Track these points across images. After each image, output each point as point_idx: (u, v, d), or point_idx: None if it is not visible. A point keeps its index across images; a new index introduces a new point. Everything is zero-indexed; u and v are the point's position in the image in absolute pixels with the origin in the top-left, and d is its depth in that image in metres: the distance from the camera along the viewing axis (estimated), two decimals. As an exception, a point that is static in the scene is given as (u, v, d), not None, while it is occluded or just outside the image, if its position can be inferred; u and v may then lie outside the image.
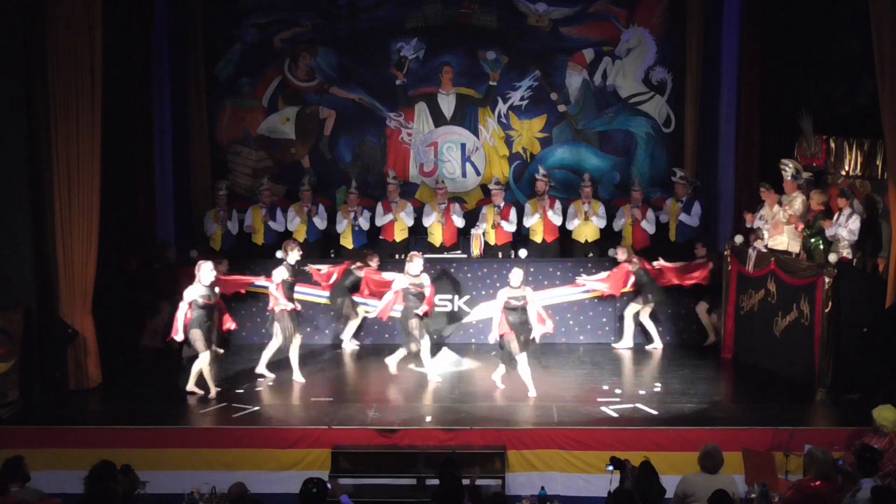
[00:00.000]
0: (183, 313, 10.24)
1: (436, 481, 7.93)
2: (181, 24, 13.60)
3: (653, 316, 12.21)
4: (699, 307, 12.29)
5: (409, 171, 14.04)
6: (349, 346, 12.25)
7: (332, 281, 12.03)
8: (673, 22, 13.71)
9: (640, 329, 12.24)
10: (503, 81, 13.90)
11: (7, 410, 9.92)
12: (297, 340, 10.81)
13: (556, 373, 11.36)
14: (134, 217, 13.09)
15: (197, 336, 10.22)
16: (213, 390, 10.34)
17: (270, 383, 10.87)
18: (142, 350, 12.25)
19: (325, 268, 12.13)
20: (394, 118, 13.99)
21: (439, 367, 11.10)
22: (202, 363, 10.31)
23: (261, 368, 10.99)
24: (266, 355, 10.97)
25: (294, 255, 10.85)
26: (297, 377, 10.83)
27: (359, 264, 11.99)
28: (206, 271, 10.31)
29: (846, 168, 10.92)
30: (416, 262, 10.79)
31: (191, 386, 10.37)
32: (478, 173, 14.03)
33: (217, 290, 10.52)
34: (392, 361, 10.99)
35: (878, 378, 9.57)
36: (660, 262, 12.10)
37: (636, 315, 12.13)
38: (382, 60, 13.90)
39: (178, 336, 10.33)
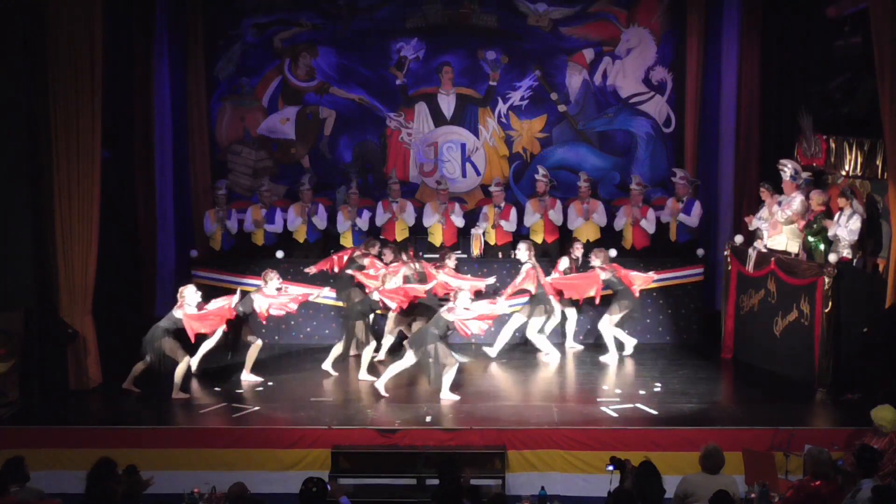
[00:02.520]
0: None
1: (436, 481, 7.93)
2: (181, 24, 13.60)
3: (620, 324, 11.79)
4: (604, 321, 11.75)
5: (409, 171, 14.04)
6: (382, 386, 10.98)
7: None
8: (673, 22, 13.70)
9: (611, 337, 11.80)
10: (503, 81, 13.89)
11: (7, 410, 9.93)
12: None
13: (556, 373, 11.36)
14: (134, 217, 13.10)
15: (173, 346, 10.30)
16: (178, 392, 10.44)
17: (270, 383, 10.90)
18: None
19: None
20: (394, 118, 13.99)
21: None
22: (183, 368, 10.38)
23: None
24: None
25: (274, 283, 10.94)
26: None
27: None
28: (190, 295, 10.37)
29: (846, 168, 10.91)
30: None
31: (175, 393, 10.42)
32: (478, 173, 14.03)
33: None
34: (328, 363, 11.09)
35: (878, 378, 9.57)
36: (555, 278, 11.74)
37: (608, 324, 11.72)
38: (382, 60, 13.89)
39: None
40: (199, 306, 10.47)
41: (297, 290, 11.28)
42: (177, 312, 10.36)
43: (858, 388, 9.87)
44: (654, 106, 13.85)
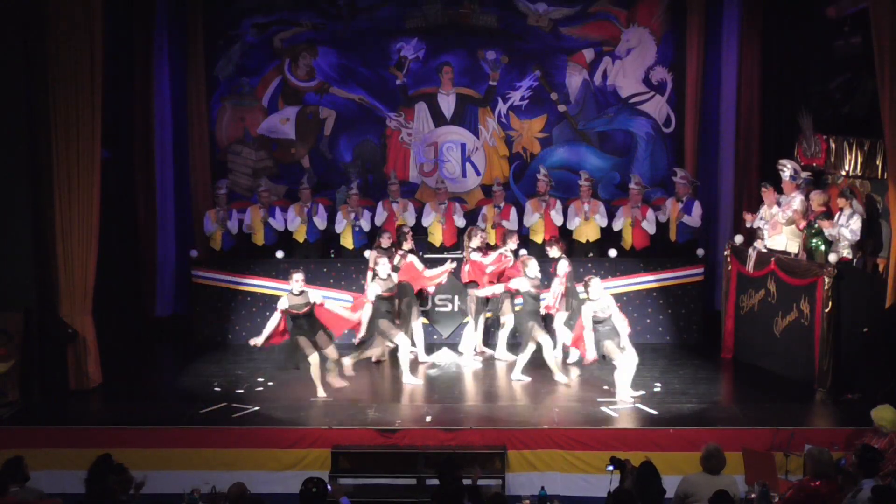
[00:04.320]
0: (276, 323, 10.21)
1: (436, 481, 7.93)
2: (181, 24, 13.60)
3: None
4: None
5: (409, 171, 14.03)
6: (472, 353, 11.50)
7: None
8: (673, 22, 13.70)
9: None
10: (503, 81, 13.88)
11: (7, 410, 9.94)
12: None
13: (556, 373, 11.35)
14: (134, 217, 13.10)
15: (304, 343, 10.21)
16: (321, 391, 10.32)
17: (271, 383, 10.89)
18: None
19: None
20: (394, 118, 13.99)
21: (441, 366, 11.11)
22: (314, 366, 10.26)
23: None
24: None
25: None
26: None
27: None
28: (295, 281, 10.27)
29: (846, 168, 10.92)
30: (532, 265, 10.71)
31: (320, 392, 10.30)
32: (478, 173, 14.02)
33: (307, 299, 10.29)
34: (517, 367, 10.87)
35: (878, 378, 9.58)
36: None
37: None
38: (382, 60, 13.89)
39: (259, 341, 10.24)
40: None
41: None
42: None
43: (858, 388, 9.87)
44: (654, 106, 13.84)
